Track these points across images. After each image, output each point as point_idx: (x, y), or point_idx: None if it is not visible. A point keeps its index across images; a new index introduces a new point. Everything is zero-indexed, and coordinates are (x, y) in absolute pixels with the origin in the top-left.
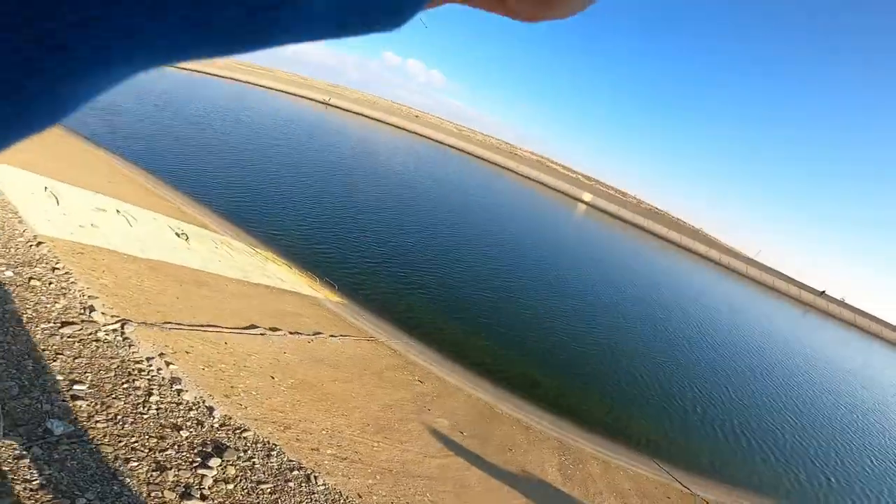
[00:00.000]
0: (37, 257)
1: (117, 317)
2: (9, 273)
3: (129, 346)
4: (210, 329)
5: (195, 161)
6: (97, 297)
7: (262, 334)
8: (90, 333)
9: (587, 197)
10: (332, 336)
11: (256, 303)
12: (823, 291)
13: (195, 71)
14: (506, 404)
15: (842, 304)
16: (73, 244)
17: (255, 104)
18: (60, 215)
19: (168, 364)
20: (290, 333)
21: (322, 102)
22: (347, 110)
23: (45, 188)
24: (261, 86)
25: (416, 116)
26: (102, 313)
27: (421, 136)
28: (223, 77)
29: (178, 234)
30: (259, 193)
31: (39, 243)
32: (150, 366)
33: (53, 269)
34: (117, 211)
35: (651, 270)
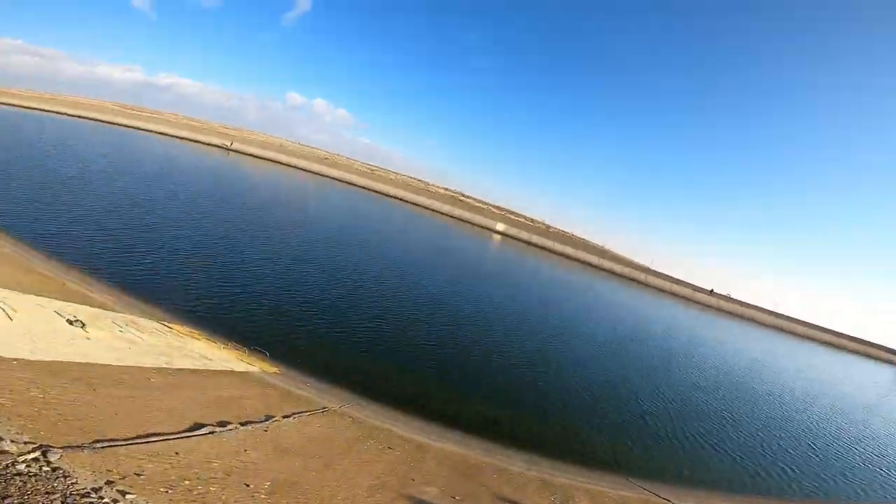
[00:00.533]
0: None
1: (32, 443)
2: None
3: (65, 476)
4: (153, 440)
5: (76, 222)
6: None
7: (211, 433)
8: (6, 467)
9: (500, 227)
10: (285, 417)
11: (190, 394)
12: (712, 290)
13: (67, 115)
14: (476, 451)
15: (728, 298)
16: None
17: (142, 151)
18: None
19: (124, 493)
20: (242, 425)
21: (223, 147)
22: (252, 155)
23: None
24: (153, 132)
25: (325, 158)
26: (12, 441)
27: (332, 178)
28: (102, 121)
29: (70, 322)
30: (158, 257)
31: None
32: (102, 498)
33: None
34: None
35: (567, 290)
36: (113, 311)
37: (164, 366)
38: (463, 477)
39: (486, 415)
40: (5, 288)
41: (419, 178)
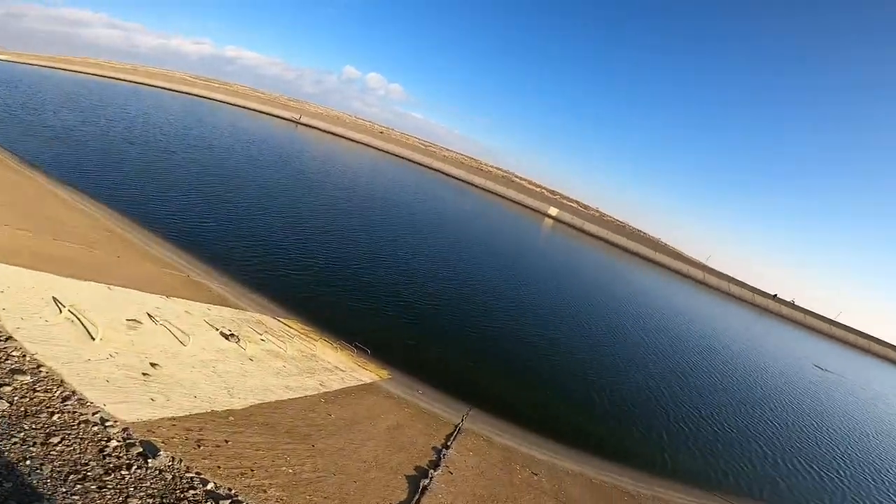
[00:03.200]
0: (174, 482)
1: None
2: None
3: None
4: None
5: (181, 203)
6: None
7: (426, 488)
8: None
9: (553, 211)
10: (446, 448)
11: (368, 431)
12: (775, 295)
13: (146, 84)
14: (592, 470)
15: (792, 305)
16: (171, 423)
17: (233, 125)
18: (112, 364)
19: None
20: (432, 468)
21: (292, 121)
22: (317, 128)
23: (57, 303)
24: (225, 102)
25: (381, 132)
26: None
27: (389, 153)
28: (180, 92)
29: (226, 337)
30: (257, 238)
31: (145, 444)
32: None
33: (202, 485)
34: (153, 319)
35: (627, 286)
36: (238, 308)
37: (322, 388)
38: (604, 500)
39: (589, 431)
40: (151, 292)
41: (471, 155)
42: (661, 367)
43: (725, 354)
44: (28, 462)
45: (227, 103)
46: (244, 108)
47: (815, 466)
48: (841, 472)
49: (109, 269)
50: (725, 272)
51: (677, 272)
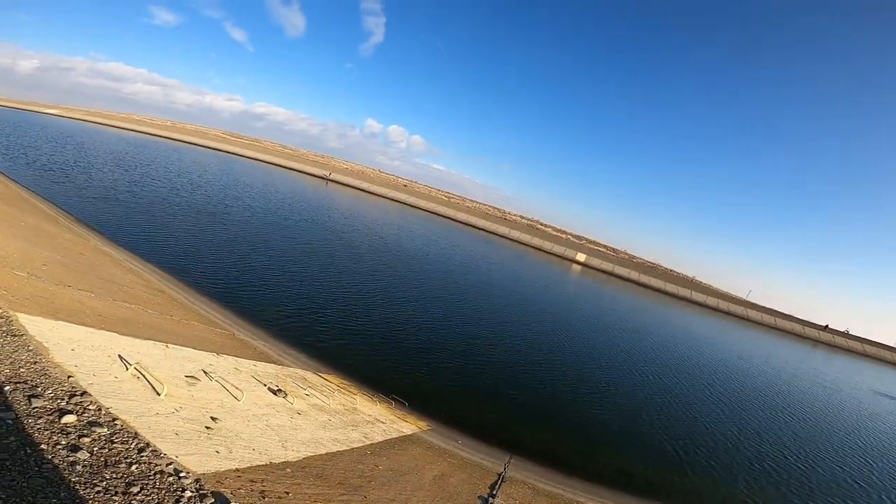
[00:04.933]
0: None
1: None
2: None
3: None
4: None
5: (219, 258)
6: None
7: None
8: None
9: (581, 257)
10: (493, 497)
11: (415, 482)
12: (826, 325)
13: (183, 142)
14: None
15: (847, 335)
16: (237, 475)
17: (267, 184)
18: (178, 417)
19: None
20: None
21: (322, 178)
22: (345, 184)
23: (123, 361)
24: (258, 160)
25: (405, 185)
26: None
27: (414, 206)
28: (216, 149)
29: (274, 392)
30: (295, 296)
31: (216, 495)
32: None
33: None
34: (208, 375)
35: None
36: (280, 364)
37: (367, 440)
38: None
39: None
40: (202, 349)
41: (495, 205)
42: (707, 404)
43: (779, 388)
44: None
45: (260, 160)
46: (276, 165)
47: None
48: None
49: (164, 328)
50: (769, 306)
51: (716, 309)
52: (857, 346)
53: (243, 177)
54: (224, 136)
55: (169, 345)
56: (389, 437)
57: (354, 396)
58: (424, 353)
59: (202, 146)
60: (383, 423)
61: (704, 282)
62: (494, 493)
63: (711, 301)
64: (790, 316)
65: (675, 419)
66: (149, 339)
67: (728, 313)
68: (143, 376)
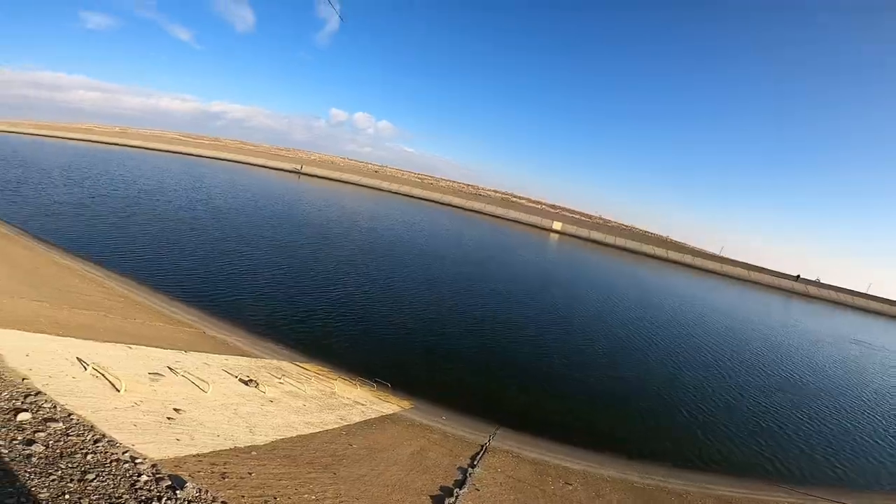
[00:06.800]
0: None
1: None
2: None
3: None
4: None
5: (185, 259)
6: None
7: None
8: None
9: (557, 225)
10: (472, 467)
11: (390, 456)
12: (798, 276)
13: (138, 147)
14: (635, 475)
15: (818, 284)
16: (197, 459)
17: (232, 182)
18: (138, 410)
19: None
20: (458, 488)
21: (294, 171)
22: (317, 176)
23: (81, 363)
24: (221, 159)
25: (376, 171)
26: None
27: (388, 191)
28: (174, 152)
29: (245, 382)
30: (266, 290)
31: (172, 478)
32: None
33: None
34: (173, 371)
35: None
36: (254, 356)
37: (343, 422)
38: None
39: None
40: (164, 347)
41: (469, 182)
42: (689, 358)
43: (746, 338)
44: (66, 496)
45: (224, 160)
46: (242, 162)
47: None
48: None
49: (127, 330)
50: (742, 260)
51: (691, 266)
52: (830, 294)
53: (207, 178)
54: (182, 137)
55: (132, 346)
56: (368, 417)
57: (333, 382)
58: (405, 334)
59: (159, 150)
60: (363, 405)
61: (678, 240)
62: (475, 463)
63: (687, 259)
64: (763, 268)
65: (659, 379)
66: (110, 341)
67: (703, 269)
68: (103, 375)
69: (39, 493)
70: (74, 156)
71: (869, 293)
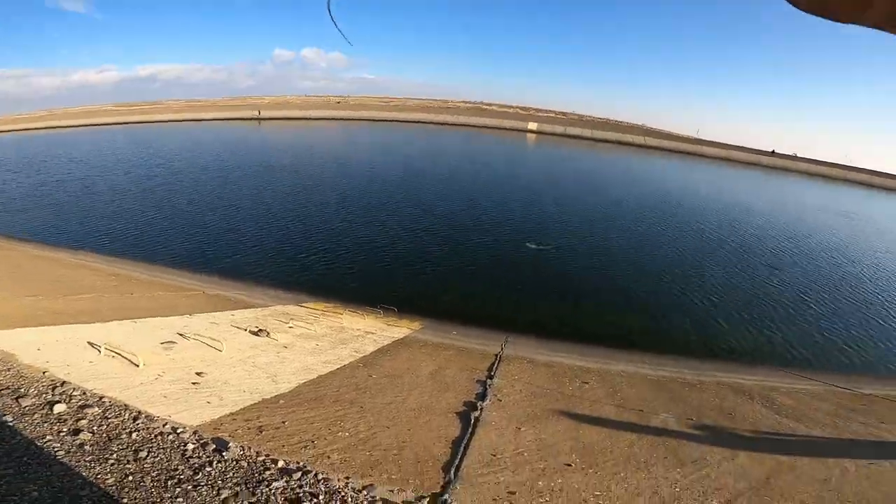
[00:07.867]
0: (250, 467)
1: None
2: None
3: None
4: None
5: (168, 226)
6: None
7: (479, 412)
8: None
9: (533, 126)
10: (490, 378)
11: (413, 381)
12: (773, 150)
13: (66, 127)
14: (649, 368)
15: (795, 157)
16: (231, 418)
17: (191, 140)
18: (163, 381)
19: None
20: (480, 399)
21: (253, 119)
22: (278, 118)
23: (93, 346)
24: (171, 121)
25: (338, 102)
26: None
27: (355, 119)
28: (108, 124)
29: (255, 333)
30: (257, 239)
31: (216, 441)
32: None
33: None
34: (184, 336)
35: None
36: (258, 306)
37: (358, 354)
38: (676, 399)
39: (629, 326)
40: (180, 314)
41: (435, 98)
42: (690, 251)
43: (739, 219)
44: (130, 478)
45: (172, 121)
46: (193, 120)
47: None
48: None
49: (128, 306)
50: (719, 140)
51: (670, 151)
52: (807, 166)
53: (158, 142)
54: (117, 108)
55: (137, 320)
56: (382, 345)
57: (340, 316)
58: (406, 256)
59: (95, 125)
60: (374, 333)
61: (655, 127)
62: (493, 374)
63: (666, 143)
64: (739, 146)
65: (659, 267)
66: (114, 320)
67: (682, 152)
68: (118, 354)
69: (106, 479)
70: (6, 148)
71: (846, 164)
